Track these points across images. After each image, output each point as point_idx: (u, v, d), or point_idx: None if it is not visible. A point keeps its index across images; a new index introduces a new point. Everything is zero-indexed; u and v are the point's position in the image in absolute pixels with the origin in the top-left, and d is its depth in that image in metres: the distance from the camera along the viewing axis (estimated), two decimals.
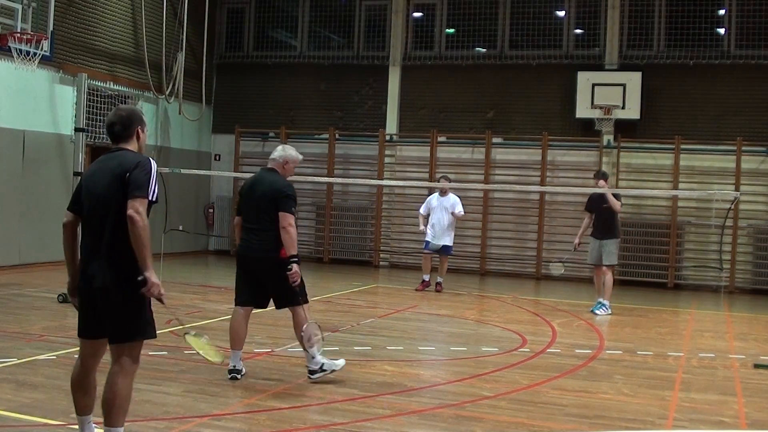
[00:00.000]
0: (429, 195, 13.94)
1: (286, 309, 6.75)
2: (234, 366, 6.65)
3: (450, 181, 13.64)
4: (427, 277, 13.43)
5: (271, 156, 6.92)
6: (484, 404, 6.30)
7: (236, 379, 6.61)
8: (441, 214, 13.24)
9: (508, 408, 6.23)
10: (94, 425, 4.70)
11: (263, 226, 6.57)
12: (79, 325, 4.57)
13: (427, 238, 13.41)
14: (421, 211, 13.56)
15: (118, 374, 4.41)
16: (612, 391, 6.90)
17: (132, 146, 4.59)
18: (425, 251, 13.54)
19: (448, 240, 13.30)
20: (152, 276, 4.29)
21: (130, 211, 4.22)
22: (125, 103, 16.14)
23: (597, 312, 11.46)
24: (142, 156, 4.50)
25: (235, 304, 6.84)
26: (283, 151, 6.90)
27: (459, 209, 13.22)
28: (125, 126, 4.59)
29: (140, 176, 4.31)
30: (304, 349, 6.70)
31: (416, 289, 13.26)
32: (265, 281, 6.67)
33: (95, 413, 4.67)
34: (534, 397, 6.56)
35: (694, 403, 6.60)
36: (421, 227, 13.49)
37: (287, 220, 6.46)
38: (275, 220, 6.48)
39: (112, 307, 4.39)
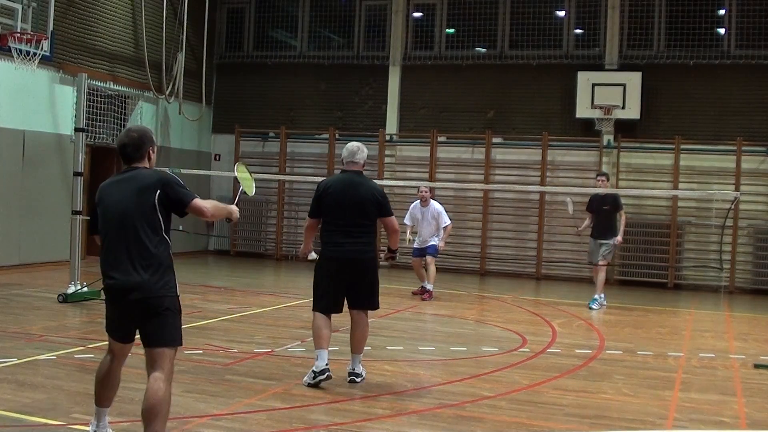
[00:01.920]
0: (412, 204, 13.00)
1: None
2: (324, 365, 6.47)
3: (429, 190, 12.86)
4: (429, 286, 12.60)
5: (354, 158, 6.78)
6: (484, 404, 6.30)
7: (329, 378, 6.49)
8: (427, 226, 12.60)
9: (508, 408, 6.23)
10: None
11: (368, 229, 6.69)
12: (113, 329, 4.81)
13: (414, 245, 12.82)
14: (407, 221, 12.72)
15: (161, 380, 4.59)
16: (612, 391, 6.90)
17: (145, 166, 4.79)
18: (414, 258, 12.85)
19: (434, 240, 12.62)
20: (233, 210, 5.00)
21: (197, 211, 4.72)
22: (125, 104, 16.16)
23: (592, 306, 11.91)
24: (160, 172, 4.75)
25: (322, 312, 6.66)
26: (362, 153, 6.83)
27: (445, 221, 12.55)
28: (137, 148, 4.76)
29: (178, 191, 4.66)
30: (358, 352, 6.78)
31: (422, 299, 12.34)
32: (358, 282, 6.68)
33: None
34: (534, 397, 6.56)
35: (694, 403, 6.60)
36: (409, 236, 12.75)
37: (394, 222, 6.81)
38: (375, 223, 6.74)
39: (155, 316, 4.61)
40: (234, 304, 11.09)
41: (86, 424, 5.21)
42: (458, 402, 6.27)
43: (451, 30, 17.62)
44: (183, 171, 13.40)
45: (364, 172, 6.87)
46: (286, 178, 17.51)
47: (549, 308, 12.16)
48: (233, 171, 6.16)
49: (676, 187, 15.57)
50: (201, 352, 7.71)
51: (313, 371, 6.46)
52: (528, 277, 16.52)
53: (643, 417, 6.11)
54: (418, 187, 13.09)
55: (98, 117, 14.84)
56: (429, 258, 12.54)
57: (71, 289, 10.45)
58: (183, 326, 4.77)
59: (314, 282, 6.70)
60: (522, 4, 17.03)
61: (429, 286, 12.48)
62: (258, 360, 7.53)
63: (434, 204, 12.69)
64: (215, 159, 19.03)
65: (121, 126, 16.01)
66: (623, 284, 15.73)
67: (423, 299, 12.30)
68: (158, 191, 4.60)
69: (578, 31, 16.85)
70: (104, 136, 15.39)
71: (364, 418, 5.75)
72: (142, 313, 4.62)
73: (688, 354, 8.79)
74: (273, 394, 6.29)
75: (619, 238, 12.07)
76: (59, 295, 10.29)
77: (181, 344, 4.75)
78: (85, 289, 10.51)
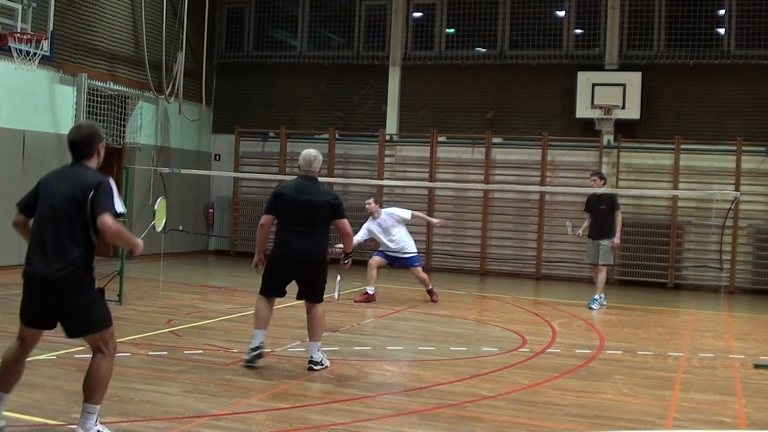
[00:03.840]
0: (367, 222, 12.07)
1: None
2: (260, 343, 7.10)
3: (373, 201, 12.01)
4: (371, 290, 11.72)
5: (311, 167, 7.24)
6: (484, 404, 6.30)
7: (261, 356, 7.08)
8: (393, 235, 11.80)
9: (508, 408, 6.23)
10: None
11: (319, 231, 7.14)
12: (26, 315, 4.93)
13: (381, 248, 11.95)
14: (360, 237, 11.55)
15: (101, 359, 4.82)
16: (612, 391, 6.90)
17: (93, 163, 4.90)
18: (375, 257, 11.92)
19: (410, 247, 11.90)
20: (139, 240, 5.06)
21: (101, 226, 4.66)
22: (125, 104, 16.15)
23: (592, 306, 11.94)
24: (100, 176, 4.80)
25: (265, 295, 7.27)
26: (318, 161, 7.30)
27: (407, 215, 11.85)
28: (88, 144, 4.89)
29: (103, 199, 4.69)
30: (316, 339, 7.19)
31: (355, 300, 11.59)
32: (304, 278, 7.21)
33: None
34: (534, 397, 6.56)
35: (694, 403, 6.60)
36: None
37: (348, 226, 7.30)
38: (328, 226, 7.19)
39: (70, 310, 4.78)
40: (234, 304, 11.08)
41: None
42: (458, 402, 6.27)
43: (451, 30, 17.62)
44: (183, 171, 13.41)
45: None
46: (286, 178, 17.46)
47: (549, 308, 12.16)
48: (156, 204, 6.43)
49: (676, 187, 15.57)
50: (201, 352, 7.72)
51: (250, 348, 7.09)
52: (528, 277, 16.52)
53: (642, 417, 6.11)
54: (371, 198, 12.28)
55: (98, 117, 14.85)
56: (415, 271, 11.88)
57: None
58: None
59: (264, 273, 7.29)
60: (522, 4, 17.03)
61: (370, 290, 11.66)
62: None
63: (386, 211, 11.92)
64: (215, 159, 19.03)
65: (121, 126, 16.02)
66: (623, 284, 15.73)
67: (434, 300, 11.94)
68: (91, 193, 4.68)
69: (578, 31, 16.85)
70: (104, 136, 15.38)
71: (364, 418, 5.75)
72: (57, 306, 4.77)
73: (688, 354, 8.79)
74: (273, 394, 6.29)
75: (617, 240, 12.08)
76: None
77: (109, 325, 4.85)
78: None
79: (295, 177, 7.55)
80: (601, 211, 12.00)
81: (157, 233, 8.94)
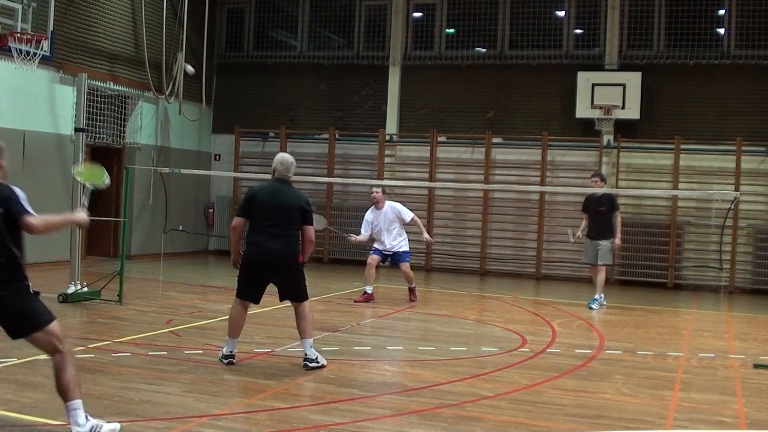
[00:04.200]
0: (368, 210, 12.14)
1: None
2: (231, 351, 7.19)
3: (382, 190, 11.93)
4: (370, 289, 11.79)
5: (288, 173, 7.36)
6: (484, 404, 6.30)
7: (232, 363, 7.11)
8: (387, 229, 11.81)
9: (508, 408, 6.23)
10: None
11: (290, 233, 7.18)
12: None
13: (376, 246, 12.00)
14: (363, 231, 11.93)
15: (57, 358, 4.89)
16: (612, 391, 6.90)
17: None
18: (372, 256, 11.93)
19: (402, 245, 11.93)
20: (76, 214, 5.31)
21: (27, 228, 4.80)
22: (126, 104, 16.16)
23: (592, 306, 11.98)
24: (5, 188, 4.85)
25: (240, 298, 7.29)
26: (294, 167, 7.43)
27: (407, 216, 11.81)
28: None
29: (17, 207, 4.78)
30: (307, 337, 7.19)
31: (355, 300, 11.72)
32: (279, 279, 7.23)
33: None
34: (534, 397, 6.56)
35: (694, 403, 6.60)
36: (360, 238, 11.96)
37: (313, 234, 7.33)
38: (299, 229, 7.22)
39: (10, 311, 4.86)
40: None
41: None
42: (458, 402, 6.27)
43: (451, 30, 17.62)
44: (183, 171, 13.41)
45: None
46: None
47: (549, 308, 12.16)
48: (95, 183, 6.11)
49: (676, 187, 15.57)
50: (201, 352, 7.72)
51: (221, 354, 7.22)
52: (528, 277, 16.52)
53: (642, 417, 6.11)
54: (379, 187, 12.08)
55: (98, 117, 14.85)
56: (404, 266, 11.85)
57: (71, 289, 10.45)
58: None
59: (239, 275, 7.30)
60: (522, 4, 17.03)
61: (369, 289, 11.74)
62: (258, 360, 7.54)
63: (390, 204, 11.94)
64: (215, 159, 19.03)
65: (121, 126, 16.03)
66: (623, 284, 15.74)
67: (411, 300, 11.96)
68: (2, 209, 4.76)
69: (578, 31, 16.85)
70: (104, 136, 15.40)
71: (364, 418, 5.75)
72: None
73: (688, 354, 8.79)
74: (273, 394, 6.29)
75: (618, 241, 12.10)
76: (59, 295, 10.29)
77: (50, 320, 4.89)
78: (85, 289, 10.51)
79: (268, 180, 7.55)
80: (600, 212, 12.03)
81: (159, 234, 8.94)
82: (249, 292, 7.25)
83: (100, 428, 4.89)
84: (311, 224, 7.28)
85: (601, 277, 12.12)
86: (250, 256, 7.20)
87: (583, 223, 12.41)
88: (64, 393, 4.86)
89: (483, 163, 16.85)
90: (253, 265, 7.18)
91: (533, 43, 16.88)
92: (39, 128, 13.92)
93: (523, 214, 16.97)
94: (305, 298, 7.30)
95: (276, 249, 7.08)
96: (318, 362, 7.15)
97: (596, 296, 12.12)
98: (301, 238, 7.27)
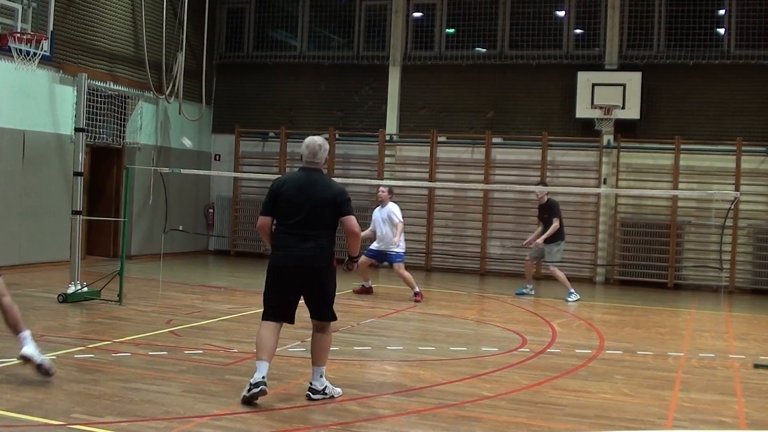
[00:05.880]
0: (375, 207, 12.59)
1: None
2: (261, 377, 5.92)
3: (387, 190, 12.33)
4: (367, 284, 12.43)
5: (315, 158, 6.37)
6: (484, 404, 6.30)
7: (264, 393, 5.89)
8: (385, 228, 12.22)
9: (508, 408, 6.23)
10: None
11: (321, 233, 6.10)
12: None
13: (372, 246, 12.44)
14: (368, 231, 12.29)
15: None
16: (612, 391, 6.90)
17: None
18: (364, 256, 12.14)
19: (395, 247, 12.19)
20: None
21: None
22: (125, 104, 16.15)
23: (568, 299, 12.88)
24: None
25: (266, 319, 6.15)
26: (324, 151, 6.40)
27: (395, 218, 12.07)
28: None
29: None
30: (315, 364, 6.19)
31: (354, 291, 12.23)
32: (309, 291, 6.17)
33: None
34: (534, 397, 6.56)
35: (694, 403, 6.60)
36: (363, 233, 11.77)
37: (356, 225, 6.17)
38: (332, 227, 6.16)
39: None
40: (234, 304, 11.09)
41: (86, 424, 5.22)
42: (458, 402, 6.27)
43: (451, 30, 17.62)
44: (183, 171, 13.41)
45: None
46: None
47: (549, 308, 12.17)
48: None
49: (676, 187, 15.57)
50: (201, 352, 7.72)
51: (250, 383, 5.92)
52: None
53: (643, 417, 6.11)
54: (386, 187, 12.45)
55: (98, 117, 14.84)
56: (396, 266, 12.19)
57: (71, 289, 10.44)
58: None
59: (264, 290, 6.18)
60: (522, 4, 17.03)
61: (367, 285, 12.17)
62: None
63: (390, 205, 12.26)
64: (215, 159, 19.03)
65: (121, 126, 16.03)
66: (623, 284, 15.74)
67: (416, 301, 12.02)
68: None
69: (578, 31, 16.85)
70: (104, 136, 15.40)
71: (364, 418, 5.75)
72: None
73: (688, 354, 8.79)
74: (273, 394, 6.28)
75: (539, 240, 13.11)
76: (59, 295, 10.29)
77: None
78: (85, 289, 10.51)
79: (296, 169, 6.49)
80: (545, 220, 13.30)
81: (159, 234, 8.95)
82: (276, 309, 6.10)
83: None
84: (350, 214, 6.10)
85: (559, 274, 13.08)
86: (275, 262, 6.14)
87: (538, 229, 13.50)
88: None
89: (483, 163, 16.85)
90: (277, 274, 6.10)
91: (533, 43, 16.88)
92: (39, 128, 13.91)
93: (523, 214, 16.96)
94: (330, 318, 6.19)
95: (303, 253, 6.01)
96: (326, 393, 6.14)
97: (571, 290, 12.99)
98: (332, 239, 6.21)
